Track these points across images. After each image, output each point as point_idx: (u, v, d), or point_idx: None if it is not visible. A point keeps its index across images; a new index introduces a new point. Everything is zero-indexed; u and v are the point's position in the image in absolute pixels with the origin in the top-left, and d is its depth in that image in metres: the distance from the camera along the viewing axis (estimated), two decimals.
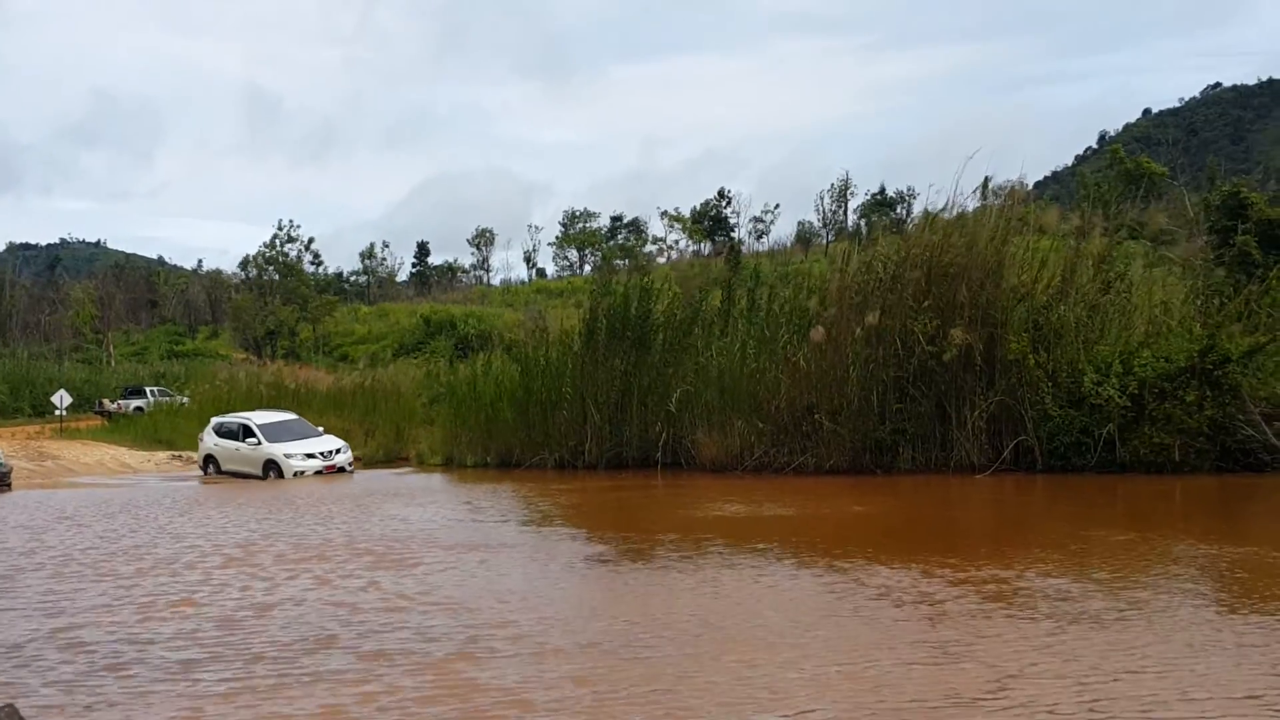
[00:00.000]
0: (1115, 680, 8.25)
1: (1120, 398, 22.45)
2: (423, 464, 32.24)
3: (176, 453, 38.66)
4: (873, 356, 25.05)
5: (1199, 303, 25.80)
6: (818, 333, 25.52)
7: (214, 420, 31.59)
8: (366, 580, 13.29)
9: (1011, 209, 26.96)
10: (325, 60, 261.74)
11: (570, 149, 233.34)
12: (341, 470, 29.50)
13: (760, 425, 26.15)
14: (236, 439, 29.59)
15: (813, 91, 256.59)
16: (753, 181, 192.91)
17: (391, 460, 34.00)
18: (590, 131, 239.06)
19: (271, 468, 28.43)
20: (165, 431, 43.27)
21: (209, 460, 30.49)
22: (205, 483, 29.49)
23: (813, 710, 7.85)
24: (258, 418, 30.22)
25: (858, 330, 24.98)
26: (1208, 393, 22.43)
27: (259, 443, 28.87)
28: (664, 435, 27.46)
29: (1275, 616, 10.21)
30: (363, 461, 33.64)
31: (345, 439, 36.71)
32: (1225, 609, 10.61)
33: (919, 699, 7.97)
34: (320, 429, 30.81)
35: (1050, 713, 7.58)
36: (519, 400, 30.88)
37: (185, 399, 52.28)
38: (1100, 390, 22.65)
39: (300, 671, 9.18)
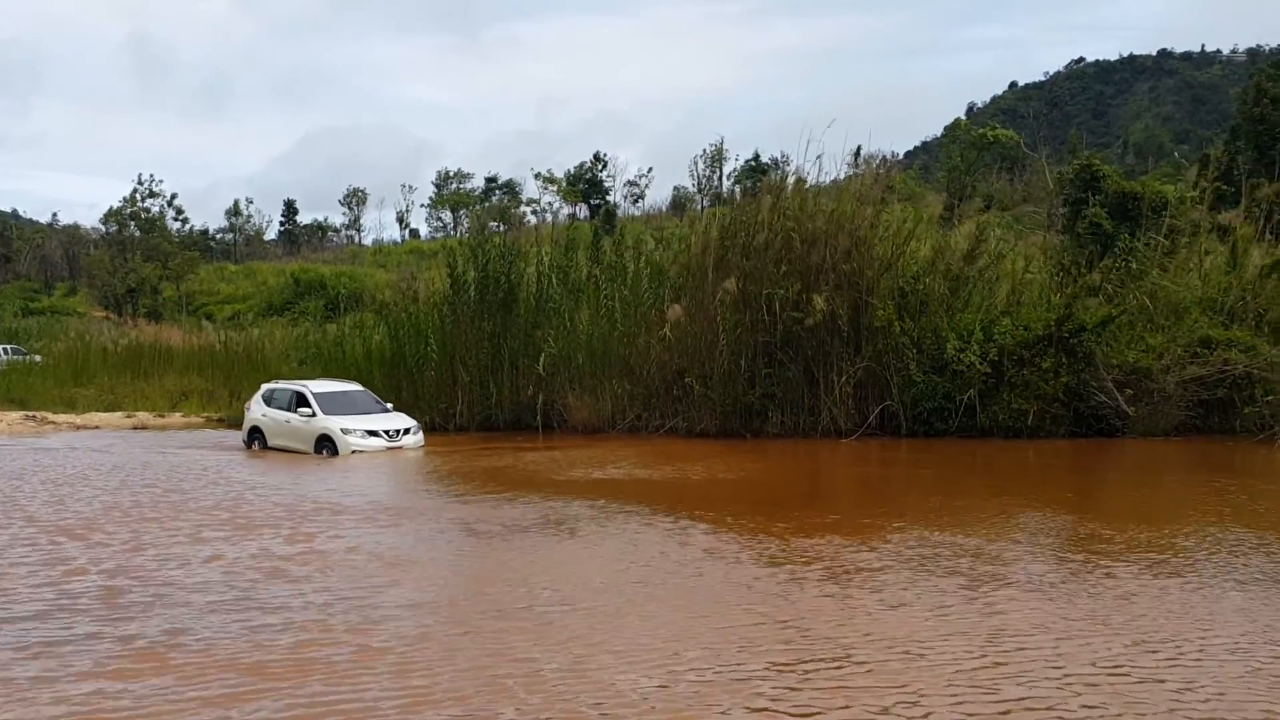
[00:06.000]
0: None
1: (981, 364, 23.08)
2: None
3: (30, 413, 37.38)
4: (741, 322, 25.34)
5: (1056, 273, 26.61)
6: (674, 311, 25.73)
7: (264, 387, 27.67)
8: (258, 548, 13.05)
9: (872, 179, 27.55)
10: (216, 9, 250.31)
11: (464, 107, 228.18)
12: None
13: (631, 389, 26.32)
14: (288, 409, 25.81)
15: (702, 57, 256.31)
16: (644, 146, 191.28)
17: None
18: (486, 90, 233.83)
19: (325, 444, 24.60)
20: (18, 390, 41.68)
21: (255, 433, 26.60)
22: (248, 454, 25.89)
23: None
24: (315, 386, 26.32)
25: (720, 294, 25.26)
26: (1064, 360, 23.22)
27: (313, 414, 25.04)
28: (537, 398, 27.42)
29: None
30: (226, 423, 32.96)
31: (209, 399, 35.81)
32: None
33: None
34: (389, 405, 26.51)
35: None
36: (388, 361, 30.54)
37: (39, 357, 50.51)
38: (962, 357, 23.26)
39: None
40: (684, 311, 25.79)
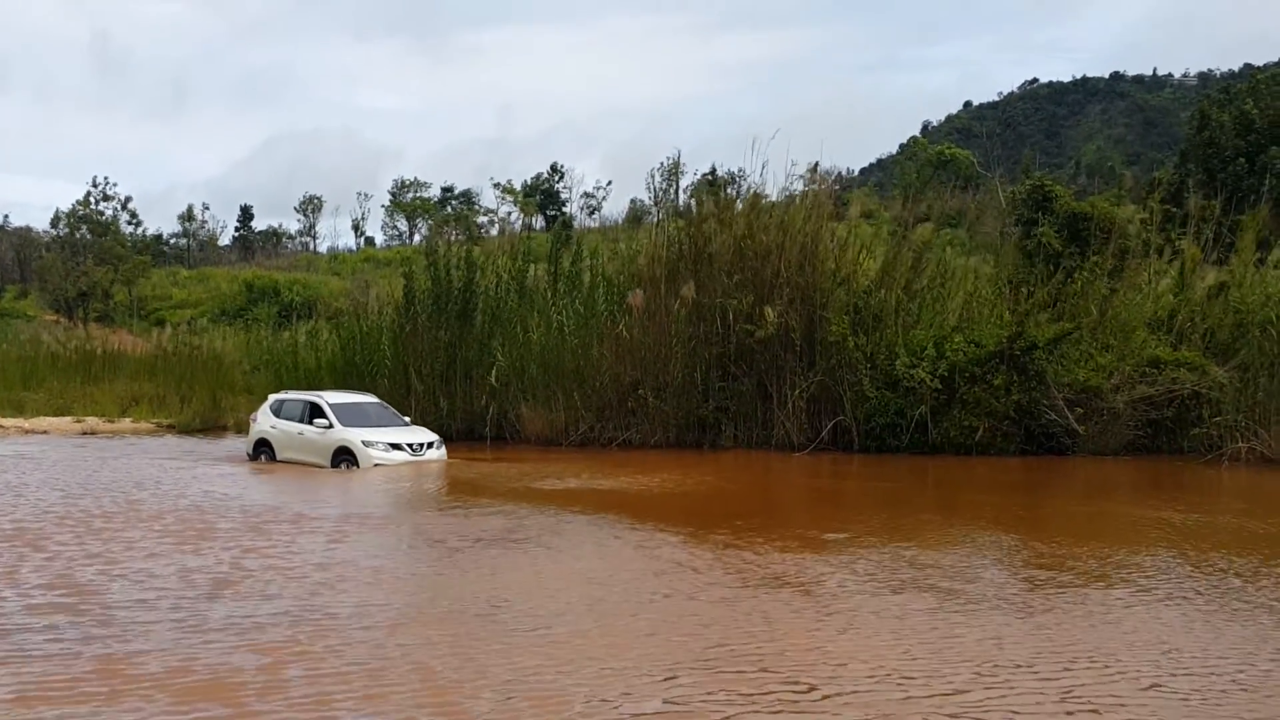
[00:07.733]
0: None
1: (932, 380, 23.26)
2: (242, 432, 31.24)
3: None
4: (695, 334, 25.52)
5: (1007, 291, 26.86)
6: (637, 297, 25.87)
7: (272, 397, 26.31)
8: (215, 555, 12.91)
9: (824, 194, 27.84)
10: (176, 10, 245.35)
11: (424, 114, 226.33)
12: None
13: (585, 400, 26.39)
14: (301, 421, 24.55)
15: (658, 69, 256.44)
16: (602, 156, 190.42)
17: (208, 428, 33.04)
18: (446, 97, 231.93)
19: (344, 457, 23.34)
20: None
21: (262, 446, 25.31)
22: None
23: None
24: (330, 397, 25.00)
25: (677, 306, 25.49)
26: (1015, 377, 23.45)
27: (330, 425, 23.79)
28: (490, 409, 27.43)
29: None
30: (177, 429, 32.68)
31: (159, 405, 35.46)
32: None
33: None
34: (407, 419, 25.61)
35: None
36: (340, 369, 30.44)
37: None
38: (913, 373, 23.43)
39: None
40: (645, 304, 25.91)
